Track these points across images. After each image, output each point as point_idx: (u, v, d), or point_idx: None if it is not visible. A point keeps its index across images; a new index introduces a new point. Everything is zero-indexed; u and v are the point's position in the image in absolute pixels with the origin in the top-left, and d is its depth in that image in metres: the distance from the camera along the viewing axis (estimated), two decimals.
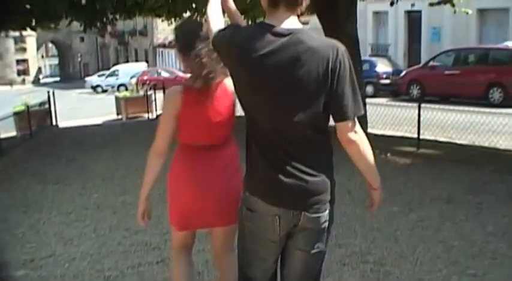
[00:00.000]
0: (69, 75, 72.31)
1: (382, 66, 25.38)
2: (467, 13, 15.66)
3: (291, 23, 2.49)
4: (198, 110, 3.12)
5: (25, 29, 16.28)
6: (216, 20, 2.78)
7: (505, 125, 10.82)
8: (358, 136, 2.55)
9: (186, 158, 3.32)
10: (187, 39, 3.18)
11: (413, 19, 29.69)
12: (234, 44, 2.53)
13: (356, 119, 2.55)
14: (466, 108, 11.65)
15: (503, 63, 19.91)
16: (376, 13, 31.64)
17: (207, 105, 3.12)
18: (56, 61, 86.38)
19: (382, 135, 11.12)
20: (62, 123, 18.81)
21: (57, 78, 76.64)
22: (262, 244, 2.69)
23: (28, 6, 11.92)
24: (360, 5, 11.84)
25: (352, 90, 2.50)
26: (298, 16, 2.56)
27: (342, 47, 2.51)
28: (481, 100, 19.06)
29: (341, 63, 2.46)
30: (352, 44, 11.75)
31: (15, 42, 67.88)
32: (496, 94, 19.34)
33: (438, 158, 9.53)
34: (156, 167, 3.34)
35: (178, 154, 3.37)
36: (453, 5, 14.05)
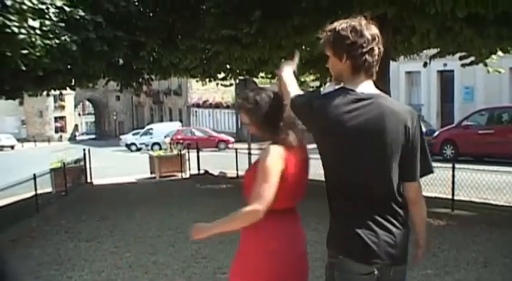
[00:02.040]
0: (104, 133, 73.58)
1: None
2: (499, 72, 15.64)
3: (368, 87, 2.74)
4: (294, 171, 3.06)
5: (65, 89, 16.68)
6: (291, 84, 3.10)
7: None
8: (420, 197, 2.84)
9: (277, 226, 3.13)
10: (269, 108, 3.16)
11: (446, 79, 29.68)
12: (318, 110, 2.70)
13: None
14: (501, 168, 11.46)
15: None
16: (409, 73, 31.73)
17: (298, 166, 3.10)
18: (92, 119, 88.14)
19: None
20: (97, 181, 19.03)
21: (93, 136, 78.01)
22: None
23: (69, 67, 12.26)
24: (392, 65, 11.91)
25: (423, 153, 2.78)
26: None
27: (416, 113, 2.79)
28: None
29: (417, 127, 2.74)
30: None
31: (55, 100, 69.59)
32: None
33: (473, 219, 9.36)
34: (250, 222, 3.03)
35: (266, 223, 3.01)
36: (486, 65, 14.07)
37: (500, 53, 13.07)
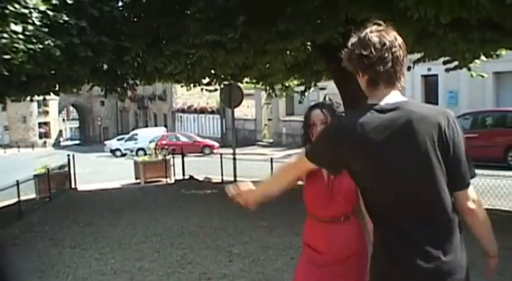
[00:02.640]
0: (89, 139, 73.22)
1: None
2: (483, 76, 15.76)
3: (393, 97, 2.52)
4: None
5: (49, 94, 16.58)
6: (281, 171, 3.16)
7: None
8: (477, 205, 2.49)
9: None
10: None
11: (430, 83, 29.82)
12: (338, 139, 2.52)
13: (472, 188, 2.49)
14: (485, 171, 11.51)
15: None
16: None
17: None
18: (76, 124, 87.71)
19: None
20: (81, 187, 18.92)
21: (77, 141, 77.58)
22: None
23: (53, 72, 12.19)
24: None
25: (466, 157, 2.50)
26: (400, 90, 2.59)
27: (451, 113, 2.51)
28: (500, 163, 18.91)
29: (454, 129, 2.45)
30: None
31: (38, 106, 69.15)
32: None
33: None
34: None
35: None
36: (469, 69, 14.17)
37: (483, 57, 13.18)
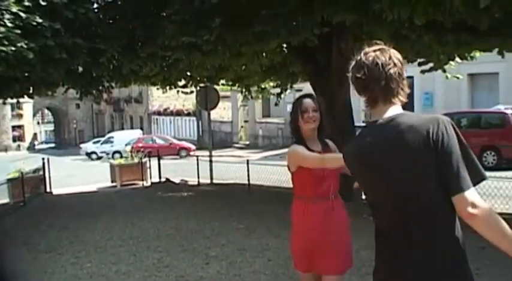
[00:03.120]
0: (64, 142, 72.52)
1: None
2: (458, 78, 15.92)
3: (391, 112, 2.64)
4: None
5: (23, 97, 16.41)
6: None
7: (500, 188, 10.80)
8: (478, 209, 2.39)
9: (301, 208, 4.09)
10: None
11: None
12: (348, 155, 2.78)
13: (474, 191, 2.44)
14: None
15: (495, 127, 20.13)
16: None
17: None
18: (51, 127, 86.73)
19: None
20: (56, 191, 18.74)
21: (52, 145, 76.80)
22: None
23: (26, 74, 12.05)
24: None
25: (465, 160, 2.48)
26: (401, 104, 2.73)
27: (444, 118, 2.53)
28: None
29: (443, 133, 2.45)
30: (345, 111, 11.89)
31: (12, 109, 68.31)
32: (489, 157, 19.46)
33: None
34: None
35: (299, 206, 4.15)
36: (444, 71, 14.30)
37: (458, 59, 13.31)
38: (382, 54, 2.63)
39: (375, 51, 2.65)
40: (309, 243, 3.97)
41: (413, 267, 2.49)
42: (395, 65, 2.63)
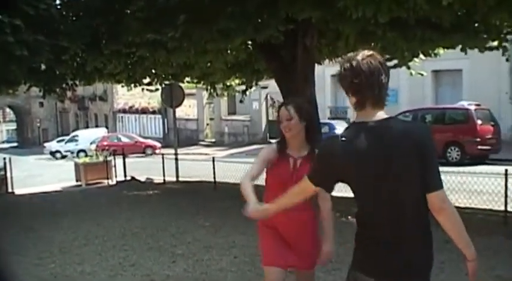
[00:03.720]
0: (27, 141, 71.35)
1: (341, 129, 25.57)
2: (422, 75, 16.12)
3: (380, 116, 2.86)
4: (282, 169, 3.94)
5: None
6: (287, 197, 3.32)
7: (463, 183, 10.97)
8: (447, 205, 2.79)
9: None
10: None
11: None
12: (339, 155, 2.85)
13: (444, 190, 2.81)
14: None
15: (459, 123, 20.44)
16: (334, 76, 32.12)
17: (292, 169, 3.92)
18: (13, 126, 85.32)
19: (343, 198, 11.14)
20: (19, 191, 18.44)
21: (15, 144, 75.53)
22: None
23: None
24: (317, 69, 12.06)
25: (437, 164, 2.82)
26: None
27: (427, 127, 2.98)
28: (440, 159, 19.36)
29: (428, 140, 2.82)
30: (311, 107, 11.91)
31: None
32: (453, 153, 19.77)
33: None
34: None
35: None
36: (409, 68, 14.46)
37: (422, 56, 13.46)
38: (375, 61, 2.87)
39: (368, 57, 2.86)
40: (280, 237, 4.05)
41: (405, 257, 2.80)
42: (386, 74, 2.91)
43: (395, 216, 2.79)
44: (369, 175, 2.79)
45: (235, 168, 12.07)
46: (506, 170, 9.20)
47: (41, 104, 69.34)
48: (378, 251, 2.84)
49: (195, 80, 19.02)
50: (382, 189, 2.77)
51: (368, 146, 2.77)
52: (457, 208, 9.12)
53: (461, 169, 15.01)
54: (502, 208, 9.25)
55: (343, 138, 2.86)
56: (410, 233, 2.81)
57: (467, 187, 11.05)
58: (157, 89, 19.35)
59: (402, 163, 2.73)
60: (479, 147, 19.35)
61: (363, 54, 2.87)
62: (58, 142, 48.18)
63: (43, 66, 13.80)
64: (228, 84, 19.58)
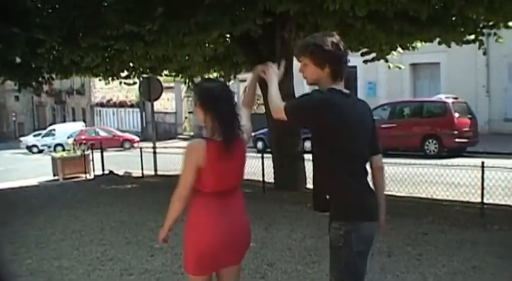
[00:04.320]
0: (3, 135, 70.58)
1: None
2: (400, 68, 16.20)
3: (344, 88, 3.51)
4: (222, 160, 3.56)
5: None
6: (277, 93, 3.67)
7: (441, 175, 11.05)
8: (382, 165, 3.72)
9: (209, 204, 3.67)
10: (208, 98, 3.64)
11: (349, 74, 30.33)
12: (336, 107, 3.34)
13: None
14: (403, 160, 11.83)
15: (436, 116, 20.57)
16: None
17: (228, 156, 3.57)
18: None
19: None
20: None
21: None
22: (365, 258, 3.49)
23: None
24: (296, 62, 12.05)
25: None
26: None
27: None
28: (418, 152, 19.52)
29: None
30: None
31: None
32: (431, 146, 19.88)
33: None
34: (180, 211, 3.73)
35: (200, 202, 3.68)
36: (387, 61, 14.52)
37: (400, 49, 13.53)
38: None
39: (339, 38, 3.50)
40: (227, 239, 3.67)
41: (373, 194, 3.58)
42: None
43: (365, 167, 3.52)
44: (354, 130, 3.39)
45: None
46: (482, 163, 9.27)
47: (17, 98, 68.58)
48: (368, 197, 3.50)
49: (173, 74, 18.95)
50: (362, 145, 3.48)
51: (350, 109, 3.38)
52: (435, 200, 9.27)
53: (438, 161, 15.12)
54: (479, 199, 9.32)
55: (334, 97, 3.37)
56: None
57: (445, 179, 11.13)
58: (135, 83, 19.24)
59: (368, 129, 3.55)
60: (456, 140, 19.47)
61: (335, 34, 3.51)
62: (35, 136, 47.72)
63: (18, 60, 13.62)
64: (206, 77, 19.53)
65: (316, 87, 3.50)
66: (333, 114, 3.31)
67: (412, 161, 12.95)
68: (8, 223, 10.81)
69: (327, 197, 3.52)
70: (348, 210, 3.40)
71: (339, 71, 3.45)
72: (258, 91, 3.98)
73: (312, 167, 3.67)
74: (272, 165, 12.79)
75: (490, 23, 11.25)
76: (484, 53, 13.68)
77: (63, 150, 26.49)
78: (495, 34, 12.27)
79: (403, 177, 11.55)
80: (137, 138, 39.51)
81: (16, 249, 8.42)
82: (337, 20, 9.52)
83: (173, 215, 3.75)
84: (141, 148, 20.01)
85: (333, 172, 3.42)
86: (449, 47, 11.98)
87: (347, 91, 3.49)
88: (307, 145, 22.31)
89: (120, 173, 19.28)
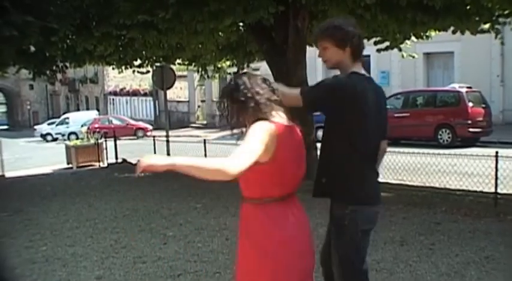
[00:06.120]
0: (17, 124, 71.09)
1: None
2: (413, 57, 16.11)
3: (362, 70, 3.57)
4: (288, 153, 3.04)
5: None
6: (285, 87, 3.60)
7: (454, 165, 11.00)
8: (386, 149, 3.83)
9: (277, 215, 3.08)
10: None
11: (362, 63, 30.33)
12: (360, 92, 3.41)
13: None
14: (417, 150, 11.80)
15: (450, 105, 20.45)
16: None
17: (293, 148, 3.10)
18: (3, 109, 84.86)
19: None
20: (9, 174, 18.38)
21: (5, 127, 75.17)
22: (369, 235, 3.63)
23: None
24: (309, 51, 12.00)
25: None
26: None
27: None
28: (431, 141, 19.46)
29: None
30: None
31: None
32: (444, 135, 19.78)
33: (390, 200, 9.58)
34: (208, 177, 2.90)
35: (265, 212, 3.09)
36: (400, 50, 14.44)
37: (414, 38, 13.44)
38: None
39: None
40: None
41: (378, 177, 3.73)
42: None
43: (375, 152, 3.61)
44: (367, 113, 3.44)
45: (226, 150, 12.03)
46: (496, 153, 9.22)
47: (31, 87, 68.92)
48: (375, 180, 3.64)
49: (186, 62, 18.94)
50: (377, 130, 3.59)
51: (369, 93, 3.46)
52: (448, 189, 9.25)
53: (452, 151, 15.03)
54: (492, 189, 9.28)
55: (354, 81, 3.43)
56: None
57: (458, 169, 11.08)
58: (148, 71, 19.25)
59: (383, 116, 3.66)
60: (470, 129, 19.36)
61: (351, 18, 3.77)
62: (49, 124, 48.02)
63: (32, 48, 13.67)
64: (219, 66, 19.53)
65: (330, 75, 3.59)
66: (358, 99, 3.39)
67: (425, 150, 12.90)
68: (23, 210, 10.92)
69: (323, 180, 3.57)
70: (356, 192, 3.48)
71: (359, 51, 3.55)
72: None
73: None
74: None
75: (506, 12, 11.14)
76: (502, 43, 13.53)
77: (77, 138, 26.61)
78: (510, 23, 12.15)
79: (416, 167, 11.52)
80: (150, 127, 39.61)
81: (31, 236, 8.51)
82: (347, 9, 9.48)
83: (193, 172, 2.96)
84: (154, 137, 20.05)
85: (346, 154, 3.46)
86: (463, 34, 11.87)
87: (369, 75, 3.58)
88: (320, 134, 22.44)
89: (133, 161, 19.32)
